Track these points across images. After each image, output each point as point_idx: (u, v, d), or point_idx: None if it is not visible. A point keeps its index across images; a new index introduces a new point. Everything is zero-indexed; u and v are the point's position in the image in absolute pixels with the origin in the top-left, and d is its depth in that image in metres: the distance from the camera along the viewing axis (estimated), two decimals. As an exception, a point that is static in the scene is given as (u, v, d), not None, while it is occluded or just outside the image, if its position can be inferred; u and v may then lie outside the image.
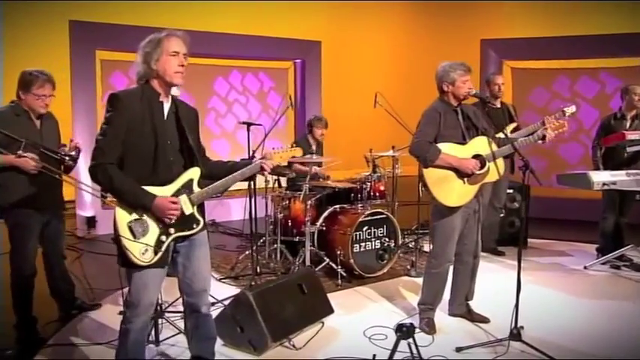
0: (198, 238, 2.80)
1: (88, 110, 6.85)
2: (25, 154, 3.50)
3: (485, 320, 3.94)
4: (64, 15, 6.72)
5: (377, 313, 4.21)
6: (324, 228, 5.18)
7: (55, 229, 3.90)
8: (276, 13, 8.55)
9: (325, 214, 5.25)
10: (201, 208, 2.81)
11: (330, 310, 3.97)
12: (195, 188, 2.75)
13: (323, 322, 3.96)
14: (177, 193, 2.68)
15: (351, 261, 4.91)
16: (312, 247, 5.07)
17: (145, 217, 2.61)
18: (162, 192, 2.64)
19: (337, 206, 5.33)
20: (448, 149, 3.63)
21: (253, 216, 4.69)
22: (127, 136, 2.58)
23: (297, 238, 5.25)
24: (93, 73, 6.91)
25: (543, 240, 6.55)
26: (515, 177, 6.25)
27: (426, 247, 5.68)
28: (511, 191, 6.24)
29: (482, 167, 3.64)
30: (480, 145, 3.68)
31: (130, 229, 2.57)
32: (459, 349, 3.48)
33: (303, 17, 8.77)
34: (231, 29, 8.14)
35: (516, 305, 3.47)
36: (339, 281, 4.86)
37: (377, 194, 5.40)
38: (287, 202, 5.36)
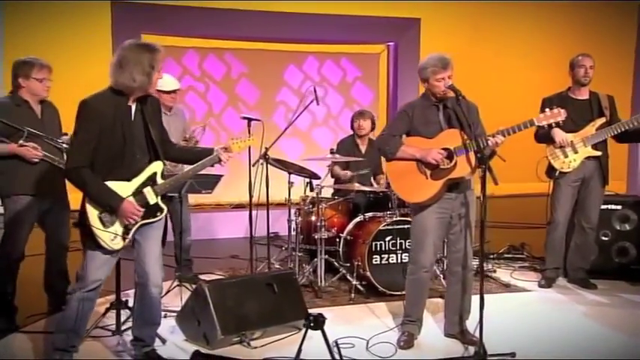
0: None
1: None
2: (27, 144, 4.93)
3: (476, 343, 4.69)
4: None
5: (366, 327, 5.13)
6: (349, 237, 6.24)
7: (57, 218, 5.31)
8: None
9: (353, 222, 6.34)
10: (164, 196, 4.18)
11: (303, 315, 5.01)
12: (159, 180, 4.10)
13: (300, 328, 5.02)
14: (142, 186, 4.03)
15: (368, 273, 5.89)
16: (327, 257, 6.16)
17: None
18: (127, 187, 3.98)
19: (370, 214, 6.35)
20: (413, 142, 4.56)
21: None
22: (99, 138, 3.90)
23: (319, 247, 6.32)
24: (138, 60, 8.62)
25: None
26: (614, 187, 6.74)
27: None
28: (619, 207, 6.68)
29: (450, 161, 4.50)
30: (449, 138, 4.53)
31: (100, 219, 3.94)
32: (414, 364, 4.37)
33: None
34: (305, 8, 9.40)
35: (480, 322, 4.29)
36: (352, 295, 5.89)
37: (410, 201, 6.29)
38: (310, 207, 6.49)
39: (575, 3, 9.90)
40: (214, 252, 7.90)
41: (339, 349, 4.11)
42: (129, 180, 4.00)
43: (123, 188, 3.97)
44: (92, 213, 3.93)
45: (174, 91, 6.20)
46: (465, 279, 4.76)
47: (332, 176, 7.03)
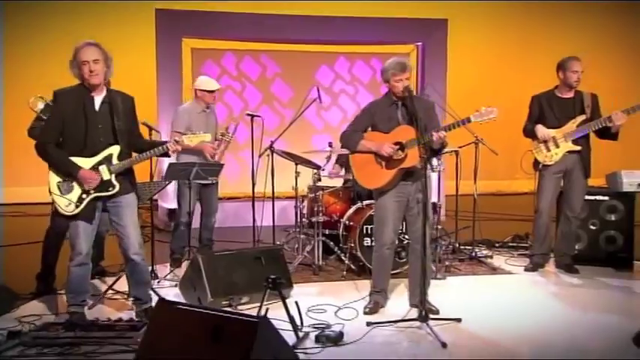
0: (124, 200, 5.27)
1: (173, 101, 9.71)
2: None
3: (433, 311, 5.60)
4: (150, 4, 9.74)
5: (344, 298, 6.09)
6: (348, 222, 7.22)
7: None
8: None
9: (353, 208, 7.34)
10: (125, 177, 5.24)
11: (288, 285, 6.02)
12: (115, 161, 5.17)
13: (284, 297, 6.02)
14: (98, 164, 5.13)
15: (359, 254, 6.85)
16: (324, 239, 7.19)
17: (72, 180, 5.11)
18: (87, 162, 5.09)
19: (369, 201, 7.29)
20: (372, 137, 5.55)
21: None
22: (65, 123, 5.07)
23: (316, 230, 7.30)
24: (179, 62, 9.80)
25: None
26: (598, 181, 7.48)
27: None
28: (606, 199, 7.39)
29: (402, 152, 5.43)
30: (403, 133, 5.45)
31: (59, 187, 5.12)
32: (368, 324, 5.30)
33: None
34: (336, 11, 10.42)
35: (423, 289, 5.27)
36: (344, 273, 6.89)
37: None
38: (314, 194, 7.49)
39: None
40: (243, 237, 8.89)
41: (298, 307, 5.11)
42: (89, 158, 5.08)
43: (83, 163, 5.06)
44: (53, 180, 5.11)
45: (214, 91, 7.41)
46: (423, 255, 5.65)
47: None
